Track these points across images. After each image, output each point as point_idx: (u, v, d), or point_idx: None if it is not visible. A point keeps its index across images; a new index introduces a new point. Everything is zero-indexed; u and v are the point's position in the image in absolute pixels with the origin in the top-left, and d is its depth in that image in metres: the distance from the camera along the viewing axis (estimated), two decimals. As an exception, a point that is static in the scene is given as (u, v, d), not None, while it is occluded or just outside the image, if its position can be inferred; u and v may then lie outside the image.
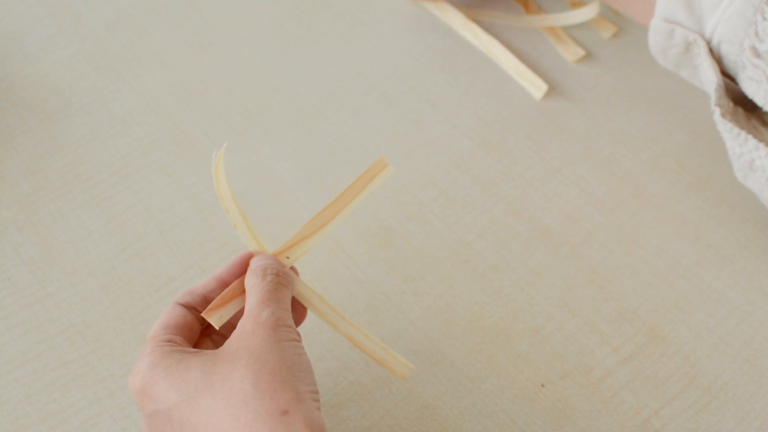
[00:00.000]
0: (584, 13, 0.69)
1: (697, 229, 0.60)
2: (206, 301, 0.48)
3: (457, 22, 0.71)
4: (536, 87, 0.67)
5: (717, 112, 0.52)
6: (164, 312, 0.47)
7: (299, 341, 0.44)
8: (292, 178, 0.63)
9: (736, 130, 0.51)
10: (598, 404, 0.52)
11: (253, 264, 0.48)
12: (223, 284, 0.48)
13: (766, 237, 0.59)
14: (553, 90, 0.68)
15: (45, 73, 0.69)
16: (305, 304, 0.49)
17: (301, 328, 0.52)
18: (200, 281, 0.57)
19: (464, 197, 0.61)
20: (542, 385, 0.53)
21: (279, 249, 0.49)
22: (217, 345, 0.48)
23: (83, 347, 0.55)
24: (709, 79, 0.53)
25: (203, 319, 0.47)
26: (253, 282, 0.46)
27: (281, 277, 0.47)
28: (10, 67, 0.69)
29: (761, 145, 0.50)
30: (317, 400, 0.42)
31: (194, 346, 0.47)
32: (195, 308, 0.47)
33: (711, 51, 0.53)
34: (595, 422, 0.52)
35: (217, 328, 0.46)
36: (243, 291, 0.47)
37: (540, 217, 0.60)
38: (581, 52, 0.69)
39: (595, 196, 0.62)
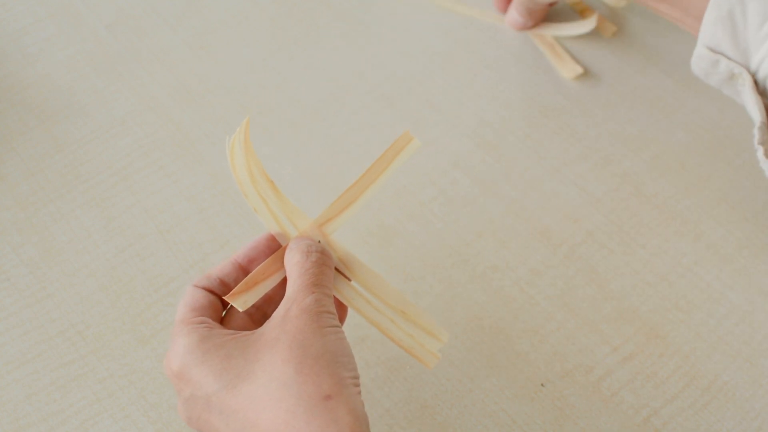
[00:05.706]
0: (582, 26, 0.69)
1: (697, 229, 0.60)
2: (223, 284, 0.46)
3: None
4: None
5: (760, 150, 0.50)
6: (185, 295, 0.46)
7: (340, 327, 0.43)
8: (292, 178, 0.63)
9: None
10: (598, 404, 0.52)
11: (294, 243, 0.46)
12: (240, 269, 0.47)
13: (766, 237, 0.59)
14: (552, 90, 0.68)
15: (45, 74, 0.69)
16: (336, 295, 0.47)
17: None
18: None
19: (464, 197, 0.61)
20: (542, 385, 0.53)
21: (304, 230, 0.47)
22: (252, 317, 0.47)
23: (83, 347, 0.55)
24: (753, 116, 0.51)
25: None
26: (296, 259, 0.45)
27: (326, 257, 0.46)
28: (10, 67, 0.69)
29: None
30: (358, 386, 0.42)
31: (223, 321, 0.46)
32: (213, 292, 0.46)
33: (756, 84, 0.51)
34: (595, 422, 0.52)
35: (241, 311, 0.45)
36: (270, 275, 0.46)
37: (539, 216, 0.60)
38: (579, 69, 0.68)
39: (595, 196, 0.62)
